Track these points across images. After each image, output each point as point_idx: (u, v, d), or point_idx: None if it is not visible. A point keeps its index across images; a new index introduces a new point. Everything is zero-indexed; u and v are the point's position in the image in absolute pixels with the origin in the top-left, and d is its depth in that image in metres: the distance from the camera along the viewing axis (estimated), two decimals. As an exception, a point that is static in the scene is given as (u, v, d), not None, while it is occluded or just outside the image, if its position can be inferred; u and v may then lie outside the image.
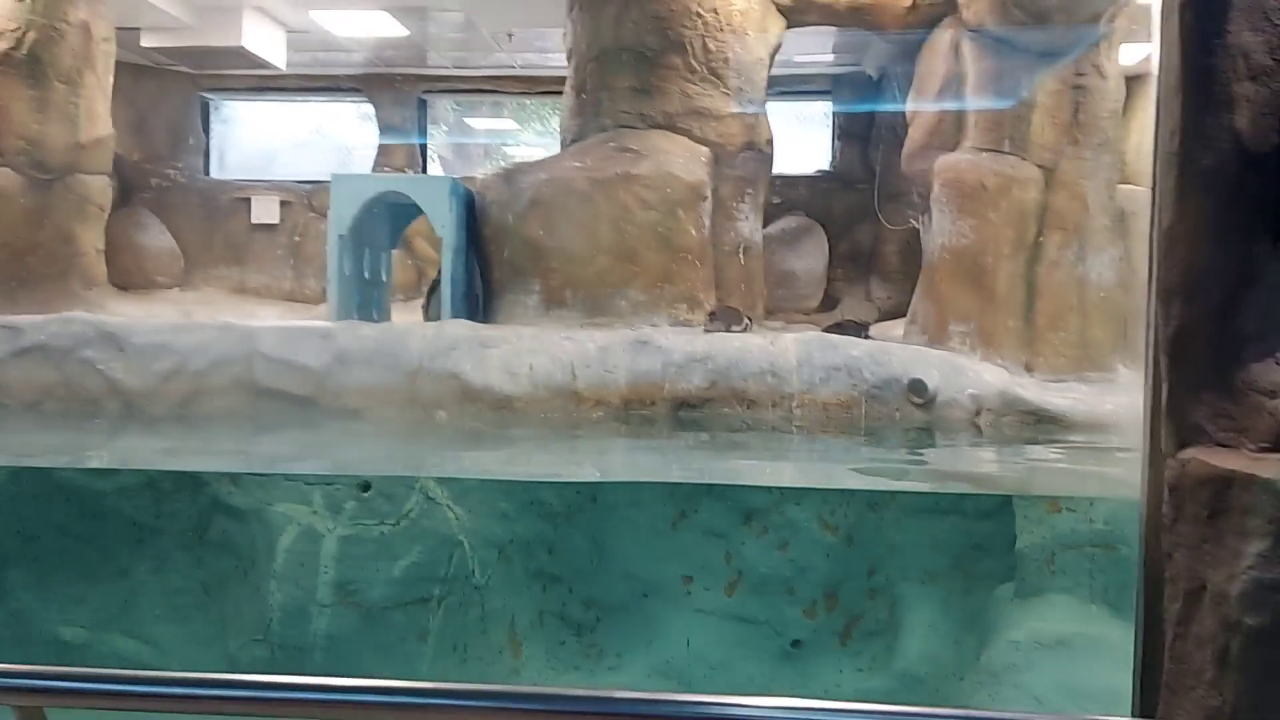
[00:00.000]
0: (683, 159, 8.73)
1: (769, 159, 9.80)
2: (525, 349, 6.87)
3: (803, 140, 14.70)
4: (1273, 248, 2.57)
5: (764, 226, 11.95)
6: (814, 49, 12.50)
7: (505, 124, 17.95)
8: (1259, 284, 2.58)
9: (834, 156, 13.50)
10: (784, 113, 15.06)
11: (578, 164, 8.61)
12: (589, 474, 6.16)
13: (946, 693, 5.13)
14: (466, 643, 5.17)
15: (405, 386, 6.61)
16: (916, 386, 7.17)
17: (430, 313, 9.10)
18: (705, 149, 9.05)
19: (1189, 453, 2.60)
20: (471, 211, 8.81)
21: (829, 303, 12.42)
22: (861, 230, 12.68)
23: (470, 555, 5.17)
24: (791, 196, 12.95)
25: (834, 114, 13.61)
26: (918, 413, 7.19)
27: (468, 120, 17.86)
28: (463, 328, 7.23)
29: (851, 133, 13.34)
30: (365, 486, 5.05)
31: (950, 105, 9.03)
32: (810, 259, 12.55)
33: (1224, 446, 2.61)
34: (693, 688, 5.30)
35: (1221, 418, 2.60)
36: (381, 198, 8.89)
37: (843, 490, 5.64)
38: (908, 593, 5.46)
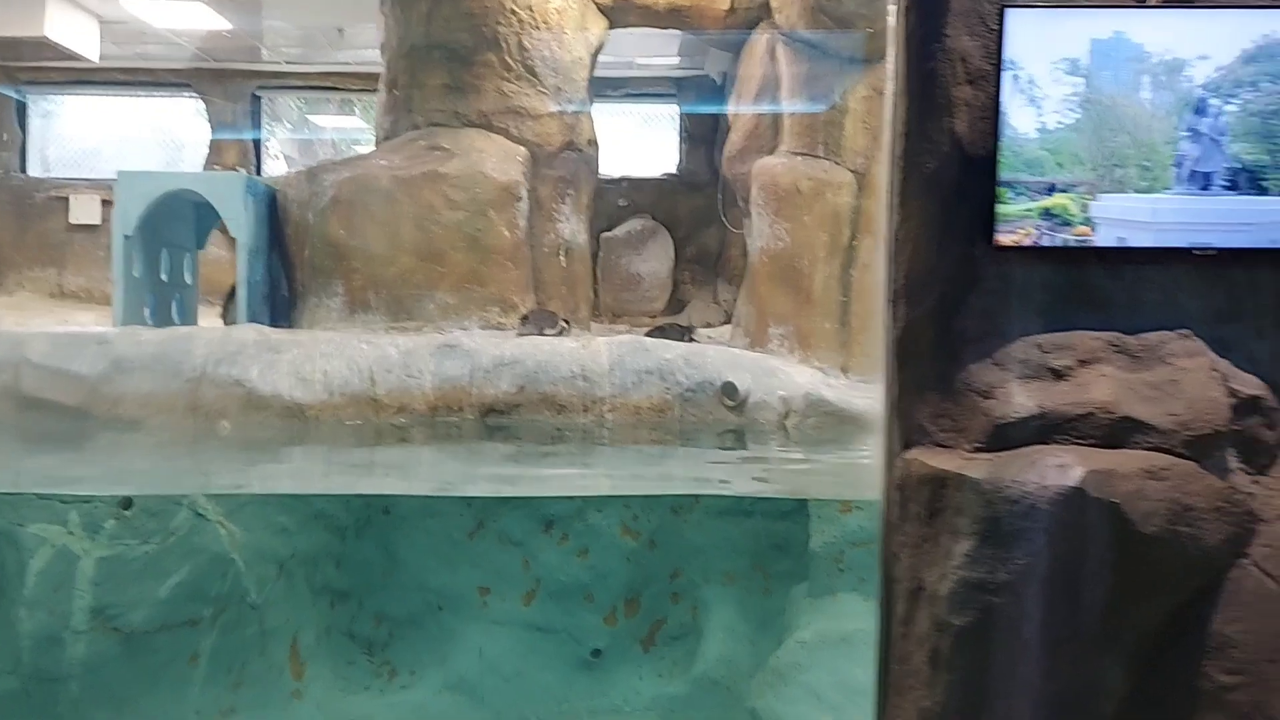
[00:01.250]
0: (496, 158, 8.57)
1: (592, 160, 9.72)
2: (319, 354, 6.59)
3: (651, 143, 14.72)
4: (990, 250, 2.59)
5: (610, 229, 11.91)
6: (659, 51, 12.51)
7: (354, 122, 17.50)
8: (979, 286, 2.58)
9: (680, 159, 13.52)
10: (631, 115, 15.06)
11: (384, 162, 8.36)
12: (377, 485, 5.95)
13: (739, 694, 5.13)
14: (243, 664, 4.91)
15: (187, 394, 6.27)
16: (728, 389, 7.20)
17: (229, 317, 8.74)
18: (522, 148, 8.91)
19: (912, 453, 2.60)
20: (274, 211, 8.48)
21: (676, 305, 12.42)
22: (708, 233, 12.69)
23: (245, 572, 4.91)
24: (638, 199, 12.90)
25: (680, 116, 13.65)
26: (730, 415, 7.22)
27: (313, 118, 17.38)
28: (250, 332, 6.92)
29: (697, 136, 13.36)
30: (127, 504, 4.74)
31: (767, 109, 9.13)
32: (656, 262, 12.54)
33: (943, 447, 2.61)
34: (485, 702, 5.17)
35: (942, 418, 2.60)
36: (181, 196, 8.47)
37: (645, 495, 5.60)
38: (709, 595, 5.44)
